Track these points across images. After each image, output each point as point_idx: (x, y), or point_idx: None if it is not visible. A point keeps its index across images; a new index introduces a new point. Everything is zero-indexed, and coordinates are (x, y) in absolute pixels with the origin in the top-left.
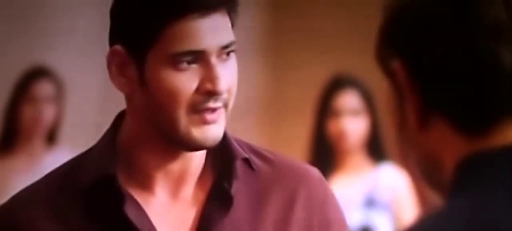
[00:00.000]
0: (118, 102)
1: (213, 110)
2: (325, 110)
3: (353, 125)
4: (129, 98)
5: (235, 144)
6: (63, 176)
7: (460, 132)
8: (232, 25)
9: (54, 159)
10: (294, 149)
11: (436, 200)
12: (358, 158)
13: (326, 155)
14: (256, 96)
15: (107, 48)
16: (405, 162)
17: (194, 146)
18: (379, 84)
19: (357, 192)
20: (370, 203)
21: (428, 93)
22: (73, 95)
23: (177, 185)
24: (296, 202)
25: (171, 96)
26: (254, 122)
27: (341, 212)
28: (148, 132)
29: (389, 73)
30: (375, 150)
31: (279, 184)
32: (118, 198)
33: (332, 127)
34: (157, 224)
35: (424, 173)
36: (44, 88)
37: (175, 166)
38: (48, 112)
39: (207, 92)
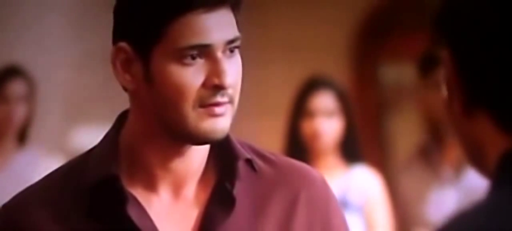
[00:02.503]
0: (87, 101)
1: (221, 104)
2: (299, 110)
3: (327, 125)
4: (133, 96)
5: (237, 145)
6: (65, 176)
7: (502, 128)
8: (236, 22)
9: (24, 159)
10: (267, 148)
11: (409, 203)
12: (331, 159)
13: (299, 155)
14: None
15: (77, 47)
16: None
17: (203, 139)
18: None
19: None
20: (343, 204)
21: (473, 87)
22: (41, 94)
23: (179, 184)
24: (298, 204)
25: (178, 91)
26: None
27: (342, 214)
28: (153, 129)
29: (441, 59)
30: (349, 151)
31: (281, 185)
32: (120, 198)
33: (306, 127)
34: (159, 224)
35: (468, 158)
36: (16, 88)
37: (178, 165)
38: (19, 112)
39: (214, 86)
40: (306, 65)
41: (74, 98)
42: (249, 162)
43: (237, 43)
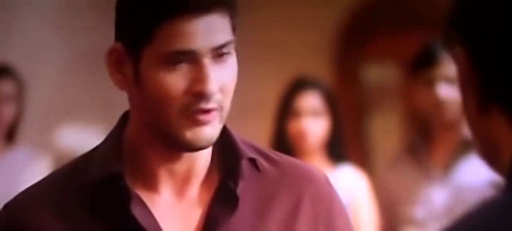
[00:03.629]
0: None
1: (206, 111)
2: (286, 110)
3: (313, 125)
4: (129, 97)
5: (241, 144)
6: (68, 175)
7: None
8: (233, 26)
9: (13, 158)
10: None
11: (397, 201)
12: (317, 159)
13: (285, 154)
14: None
15: (65, 48)
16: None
17: (188, 147)
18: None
19: None
20: None
21: (488, 85)
22: (28, 94)
23: (182, 184)
24: (302, 204)
25: (162, 95)
26: None
27: (346, 215)
28: (149, 131)
29: (454, 58)
30: (334, 151)
31: (285, 185)
32: (124, 197)
33: (293, 127)
34: (163, 224)
35: (483, 157)
36: (5, 88)
37: (180, 166)
38: (8, 111)
39: (197, 93)
40: (289, 66)
41: (60, 98)
42: (252, 161)
43: (228, 48)
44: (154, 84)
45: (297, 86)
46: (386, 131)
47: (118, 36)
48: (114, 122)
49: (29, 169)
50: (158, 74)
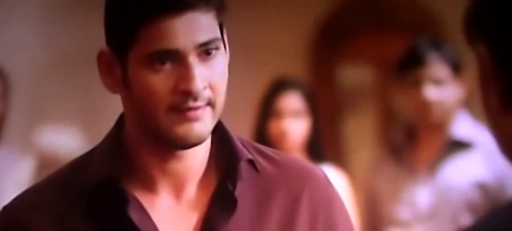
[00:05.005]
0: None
1: (194, 109)
2: (267, 111)
3: (294, 125)
4: (122, 100)
5: (239, 145)
6: (66, 178)
7: None
8: (221, 23)
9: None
10: None
11: (381, 202)
12: None
13: None
14: None
15: (47, 49)
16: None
17: (179, 144)
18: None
19: None
20: None
21: (511, 82)
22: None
23: (179, 186)
24: (301, 203)
25: (149, 96)
26: None
27: (346, 214)
28: (142, 132)
29: (476, 54)
30: (314, 152)
31: (284, 185)
32: (122, 200)
33: (274, 127)
34: (161, 226)
35: (505, 154)
36: None
37: (175, 167)
38: None
39: (183, 91)
40: (264, 67)
41: (42, 99)
42: (251, 162)
43: (214, 45)
44: (141, 85)
45: (278, 87)
46: (360, 131)
47: (107, 40)
48: (95, 123)
49: (13, 169)
50: (144, 75)
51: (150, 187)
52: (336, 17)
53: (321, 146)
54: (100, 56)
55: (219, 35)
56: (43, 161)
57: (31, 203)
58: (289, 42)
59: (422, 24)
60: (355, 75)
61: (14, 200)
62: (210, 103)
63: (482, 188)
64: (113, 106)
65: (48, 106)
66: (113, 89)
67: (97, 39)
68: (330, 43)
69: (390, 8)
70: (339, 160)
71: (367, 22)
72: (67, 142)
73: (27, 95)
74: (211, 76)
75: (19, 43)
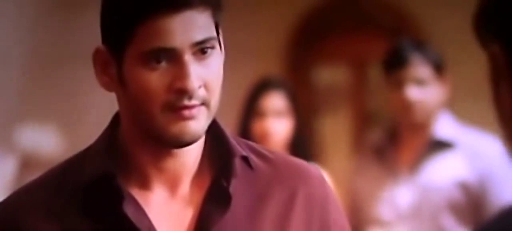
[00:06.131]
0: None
1: (189, 107)
2: (250, 111)
3: (277, 125)
4: (117, 98)
5: (233, 142)
6: (61, 175)
7: None
8: (216, 22)
9: None
10: None
11: (362, 201)
12: None
13: None
14: None
15: (25, 47)
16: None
17: (174, 143)
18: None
19: None
20: None
21: None
22: None
23: (174, 183)
24: (295, 201)
25: (144, 94)
26: None
27: (341, 212)
28: (137, 130)
29: (488, 54)
30: (298, 151)
31: (279, 183)
32: (117, 196)
33: (257, 127)
34: (156, 223)
35: None
36: None
37: (170, 164)
38: None
39: (178, 90)
40: (241, 68)
41: (21, 98)
42: (245, 159)
43: (210, 44)
44: (136, 83)
45: (262, 87)
46: (336, 131)
47: (103, 39)
48: (75, 122)
49: None
50: (140, 73)
51: (145, 184)
52: (312, 18)
53: (305, 146)
54: (96, 54)
55: (215, 34)
56: (24, 160)
57: (27, 200)
58: (265, 43)
59: (399, 26)
60: (331, 75)
61: (9, 197)
62: (205, 103)
63: (464, 187)
64: (93, 105)
65: (28, 106)
66: (108, 87)
67: (77, 39)
68: (307, 44)
69: (366, 9)
70: (315, 159)
71: (344, 23)
72: (48, 141)
73: (7, 95)
74: (206, 76)
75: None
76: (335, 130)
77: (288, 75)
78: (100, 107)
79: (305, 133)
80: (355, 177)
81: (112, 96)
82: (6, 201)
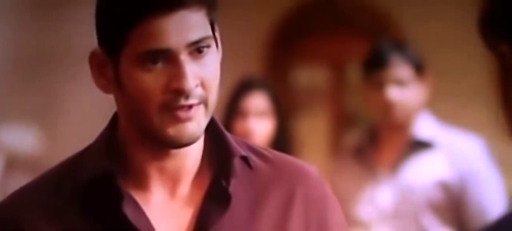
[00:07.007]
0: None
1: (188, 107)
2: (232, 111)
3: (259, 125)
4: (115, 99)
5: (232, 142)
6: (60, 175)
7: None
8: (212, 21)
9: None
10: None
11: (342, 202)
12: None
13: None
14: None
15: (10, 48)
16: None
17: (172, 144)
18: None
19: None
20: None
21: None
22: None
23: (173, 183)
24: (294, 201)
25: (141, 96)
26: None
27: (339, 211)
28: (135, 131)
29: (496, 54)
30: (280, 151)
31: (278, 182)
32: (116, 197)
33: (239, 127)
34: (155, 223)
35: None
36: None
37: (169, 164)
38: None
39: (174, 90)
40: (220, 68)
41: (4, 98)
42: (244, 159)
43: (205, 43)
44: (133, 84)
45: (244, 87)
46: (315, 132)
47: (98, 41)
48: (56, 122)
49: None
50: (136, 74)
51: (144, 184)
52: (291, 18)
53: (288, 146)
54: (92, 57)
55: (210, 33)
56: (8, 160)
57: (26, 200)
58: (244, 43)
59: (377, 26)
60: (309, 76)
61: (9, 197)
62: (203, 102)
63: (444, 187)
64: (75, 104)
65: (9, 106)
66: (105, 89)
67: (57, 39)
68: (285, 45)
69: (345, 10)
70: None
71: (322, 24)
72: (29, 140)
73: None
74: (203, 74)
75: None
76: (313, 130)
77: (267, 75)
78: (82, 108)
79: (286, 133)
80: (335, 178)
81: (95, 98)
82: (5, 201)
